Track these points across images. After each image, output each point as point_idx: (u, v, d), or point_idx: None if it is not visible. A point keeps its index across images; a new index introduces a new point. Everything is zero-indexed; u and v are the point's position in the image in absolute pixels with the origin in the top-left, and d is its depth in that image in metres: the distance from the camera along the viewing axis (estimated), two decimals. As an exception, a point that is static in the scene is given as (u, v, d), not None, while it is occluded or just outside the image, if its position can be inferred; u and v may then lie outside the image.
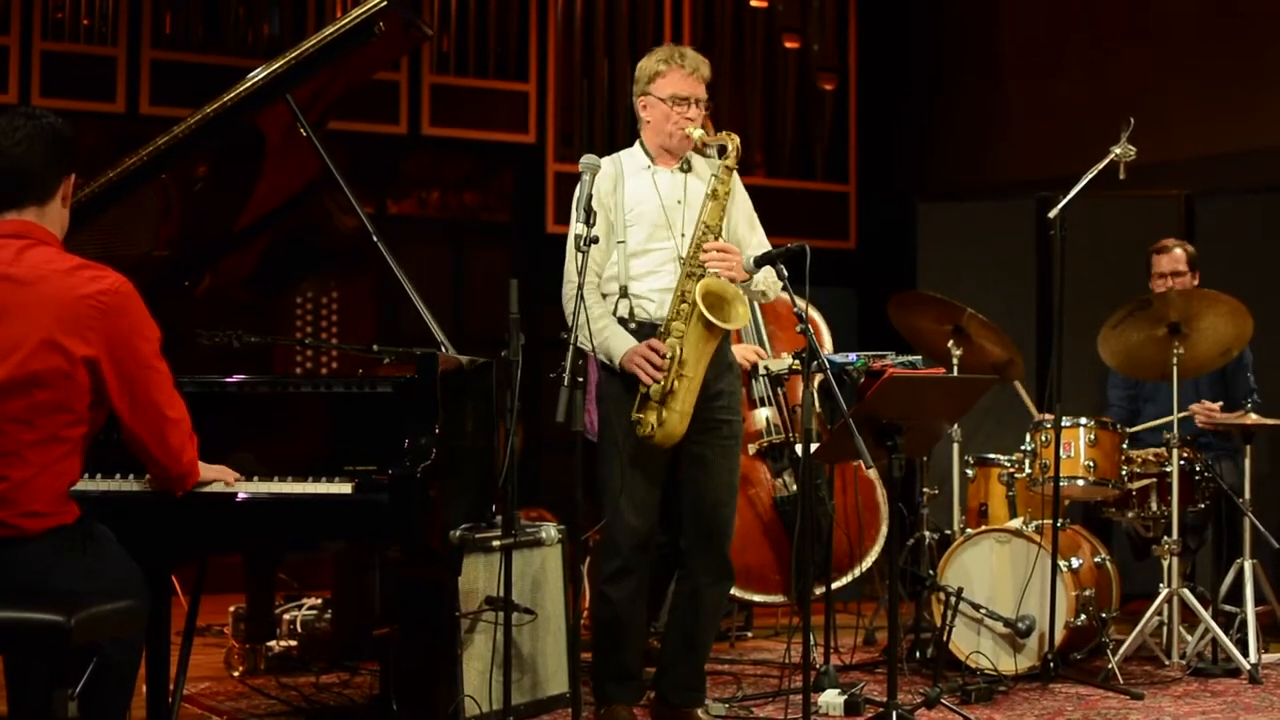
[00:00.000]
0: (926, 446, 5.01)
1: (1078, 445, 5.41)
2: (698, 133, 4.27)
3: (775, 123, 9.30)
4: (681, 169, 4.37)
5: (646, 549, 4.29)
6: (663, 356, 4.11)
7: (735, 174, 4.29)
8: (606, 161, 4.35)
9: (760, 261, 4.19)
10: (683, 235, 4.28)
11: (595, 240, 3.96)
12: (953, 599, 5.20)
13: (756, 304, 5.64)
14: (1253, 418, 5.50)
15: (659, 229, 4.28)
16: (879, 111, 9.57)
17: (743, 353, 5.49)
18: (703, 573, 4.34)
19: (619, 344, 4.21)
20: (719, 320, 4.11)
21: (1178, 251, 5.92)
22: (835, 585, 5.31)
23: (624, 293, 4.27)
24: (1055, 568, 5.14)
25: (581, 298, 3.92)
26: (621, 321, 4.25)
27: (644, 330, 4.23)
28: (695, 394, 4.16)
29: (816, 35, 9.35)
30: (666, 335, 4.16)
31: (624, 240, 4.29)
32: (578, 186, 4.05)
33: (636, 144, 4.44)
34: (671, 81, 4.31)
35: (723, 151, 4.27)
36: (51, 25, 7.62)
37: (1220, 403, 5.74)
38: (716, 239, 4.21)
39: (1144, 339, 5.56)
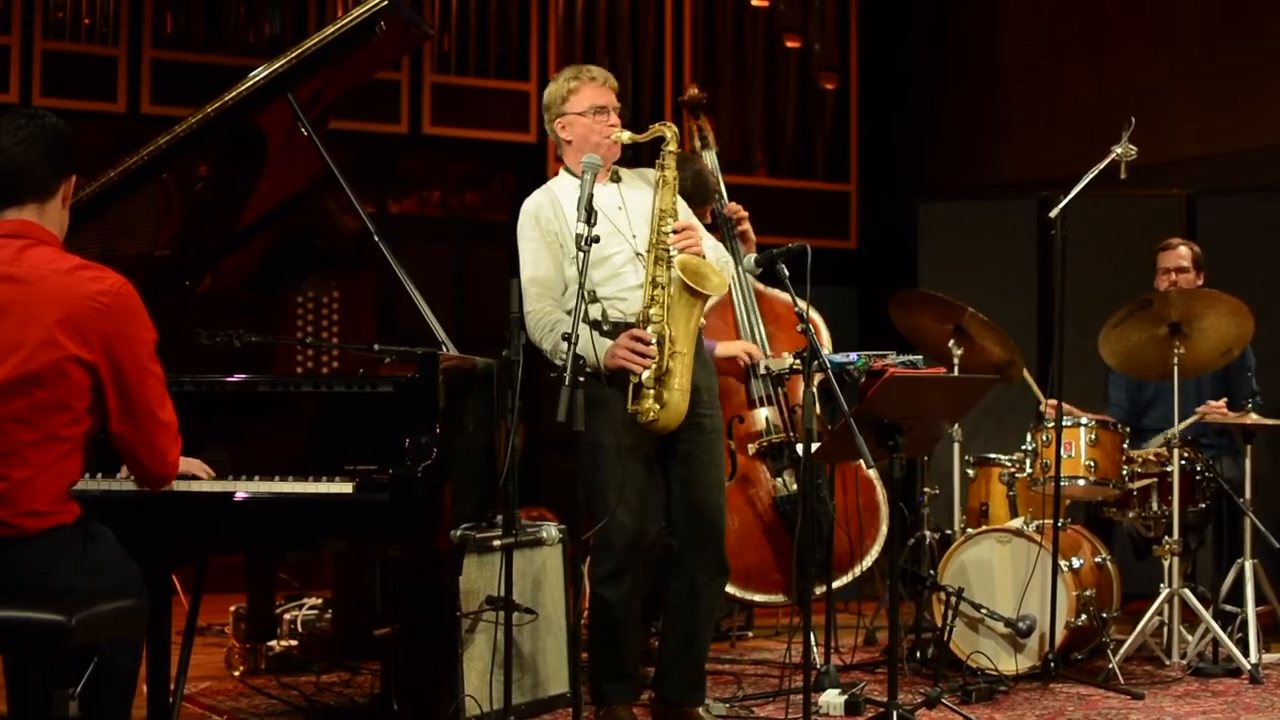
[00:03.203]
0: (927, 446, 5.01)
1: (1078, 445, 5.41)
2: (625, 135, 4.30)
3: (776, 122, 9.30)
4: (611, 180, 4.39)
5: (640, 549, 4.29)
6: (648, 343, 4.10)
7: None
8: (539, 193, 4.39)
9: (762, 261, 4.17)
10: (634, 236, 4.29)
11: (596, 240, 3.94)
12: (953, 599, 5.19)
13: (754, 303, 5.64)
14: (1253, 418, 5.49)
15: (610, 236, 4.26)
16: (879, 111, 9.57)
17: (739, 348, 5.48)
18: (697, 570, 4.34)
19: (599, 347, 4.19)
20: (700, 287, 4.11)
21: (1182, 249, 5.93)
22: (835, 585, 5.30)
23: (593, 298, 4.26)
24: (1056, 568, 5.14)
25: (583, 297, 3.90)
26: (595, 324, 4.23)
27: (619, 331, 4.21)
28: (690, 369, 4.15)
29: (817, 35, 9.35)
30: (646, 326, 4.15)
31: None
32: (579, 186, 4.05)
33: (561, 171, 4.44)
34: (587, 95, 4.34)
35: (662, 140, 4.26)
36: (52, 25, 7.62)
37: (1224, 399, 5.74)
38: (674, 221, 4.22)
39: (1145, 339, 5.55)
